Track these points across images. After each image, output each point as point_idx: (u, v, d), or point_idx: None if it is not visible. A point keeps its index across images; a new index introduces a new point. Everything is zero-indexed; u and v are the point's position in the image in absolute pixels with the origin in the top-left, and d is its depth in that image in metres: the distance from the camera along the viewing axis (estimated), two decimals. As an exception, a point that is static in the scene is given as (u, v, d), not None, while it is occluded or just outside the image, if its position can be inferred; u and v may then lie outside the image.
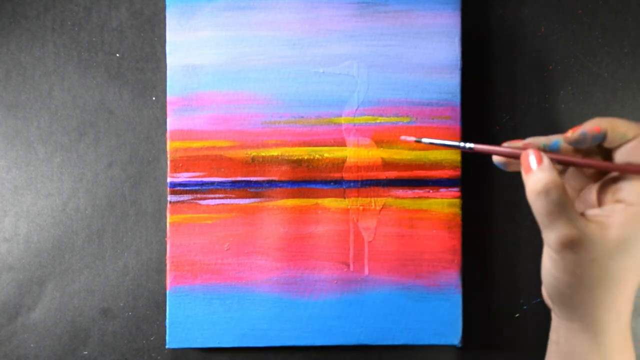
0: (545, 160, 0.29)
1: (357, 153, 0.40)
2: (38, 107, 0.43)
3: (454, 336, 0.40)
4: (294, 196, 0.40)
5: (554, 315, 0.32)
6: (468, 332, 0.41)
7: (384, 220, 0.40)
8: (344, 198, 0.40)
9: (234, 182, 0.40)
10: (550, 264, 0.29)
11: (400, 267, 0.40)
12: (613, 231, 0.28)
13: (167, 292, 0.40)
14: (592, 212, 0.29)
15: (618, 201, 0.29)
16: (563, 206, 0.28)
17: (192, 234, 0.40)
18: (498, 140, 0.43)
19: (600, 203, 0.30)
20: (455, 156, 0.40)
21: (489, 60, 0.43)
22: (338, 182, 0.40)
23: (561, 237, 0.28)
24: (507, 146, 0.31)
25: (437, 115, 0.40)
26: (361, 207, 0.40)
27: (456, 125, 0.40)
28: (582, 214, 0.29)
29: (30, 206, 0.42)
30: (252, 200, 0.40)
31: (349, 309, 0.40)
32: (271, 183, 0.40)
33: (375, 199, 0.40)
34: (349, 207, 0.40)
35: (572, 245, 0.28)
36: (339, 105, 0.40)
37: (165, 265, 0.41)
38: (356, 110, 0.40)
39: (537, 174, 0.28)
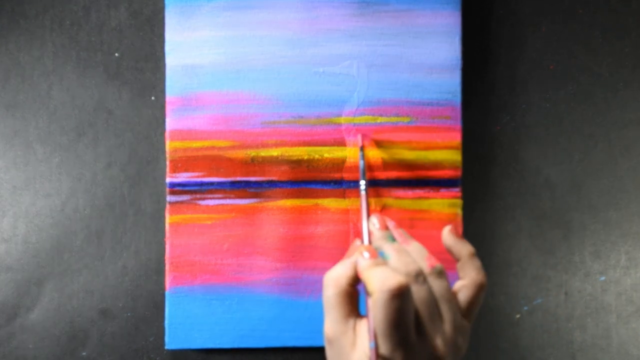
0: (352, 258, 0.30)
1: (357, 153, 0.40)
2: (37, 107, 0.42)
3: (454, 337, 0.40)
4: (293, 196, 0.40)
5: None
6: (468, 332, 0.41)
7: (384, 221, 0.40)
8: (344, 198, 0.40)
9: (233, 183, 0.40)
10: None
11: (400, 268, 0.40)
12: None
13: (166, 292, 0.40)
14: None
15: None
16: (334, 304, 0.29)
17: (192, 234, 0.40)
18: (498, 140, 0.43)
19: None
20: (456, 156, 0.40)
21: (489, 60, 0.43)
22: (338, 183, 0.40)
23: (325, 331, 0.29)
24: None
25: (437, 115, 0.40)
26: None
27: (456, 125, 0.40)
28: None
29: (29, 206, 0.42)
30: (252, 200, 0.40)
31: (349, 309, 0.40)
32: (271, 183, 0.40)
33: (376, 199, 0.40)
34: (349, 207, 0.40)
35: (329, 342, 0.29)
36: (339, 105, 0.40)
37: (165, 266, 0.41)
38: (356, 110, 0.40)
39: (340, 266, 0.30)
